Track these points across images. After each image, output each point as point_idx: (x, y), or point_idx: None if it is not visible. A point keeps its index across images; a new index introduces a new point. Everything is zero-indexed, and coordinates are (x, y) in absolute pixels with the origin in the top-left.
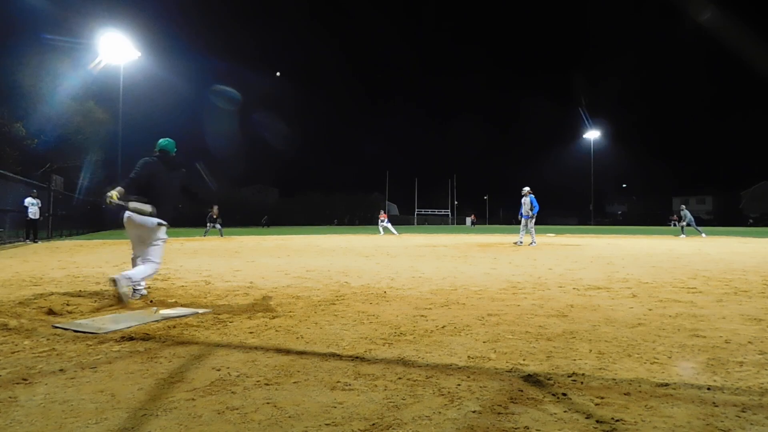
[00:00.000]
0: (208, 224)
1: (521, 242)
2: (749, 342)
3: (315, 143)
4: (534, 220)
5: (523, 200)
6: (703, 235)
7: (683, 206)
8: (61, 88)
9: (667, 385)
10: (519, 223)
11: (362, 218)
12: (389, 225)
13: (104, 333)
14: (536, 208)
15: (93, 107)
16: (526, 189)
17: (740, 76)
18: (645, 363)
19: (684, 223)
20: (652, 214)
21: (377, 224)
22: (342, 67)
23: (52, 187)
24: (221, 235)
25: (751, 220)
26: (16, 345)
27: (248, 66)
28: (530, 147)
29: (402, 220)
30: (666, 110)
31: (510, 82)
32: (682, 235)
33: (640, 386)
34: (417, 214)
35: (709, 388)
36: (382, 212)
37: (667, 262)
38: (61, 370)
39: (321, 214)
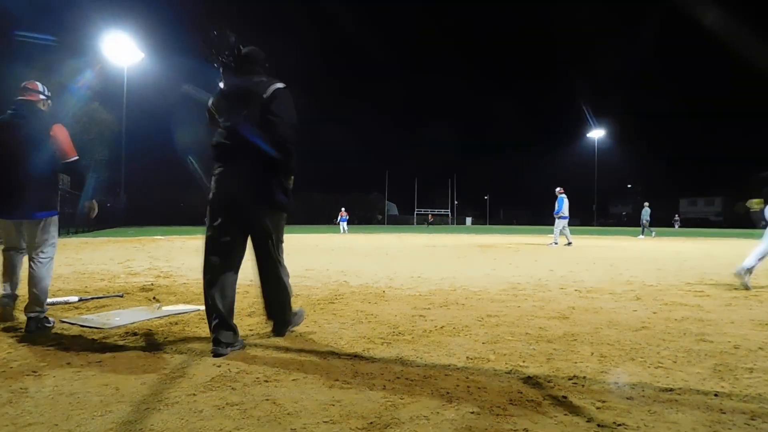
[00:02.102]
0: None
1: (569, 243)
2: (759, 348)
3: (314, 142)
4: (561, 221)
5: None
6: (652, 235)
7: (646, 204)
8: (66, 89)
9: (671, 390)
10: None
11: (361, 218)
12: (343, 223)
13: (109, 328)
14: (556, 210)
15: (98, 108)
16: (557, 189)
17: (751, 75)
18: (649, 367)
19: (646, 221)
20: (658, 215)
21: (359, 223)
22: (344, 66)
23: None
24: None
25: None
26: (26, 338)
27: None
28: (534, 146)
29: (401, 220)
30: (674, 109)
31: (514, 82)
32: (641, 236)
33: (643, 391)
34: (416, 214)
35: (716, 395)
36: (343, 210)
37: (673, 265)
38: (68, 363)
39: (320, 214)
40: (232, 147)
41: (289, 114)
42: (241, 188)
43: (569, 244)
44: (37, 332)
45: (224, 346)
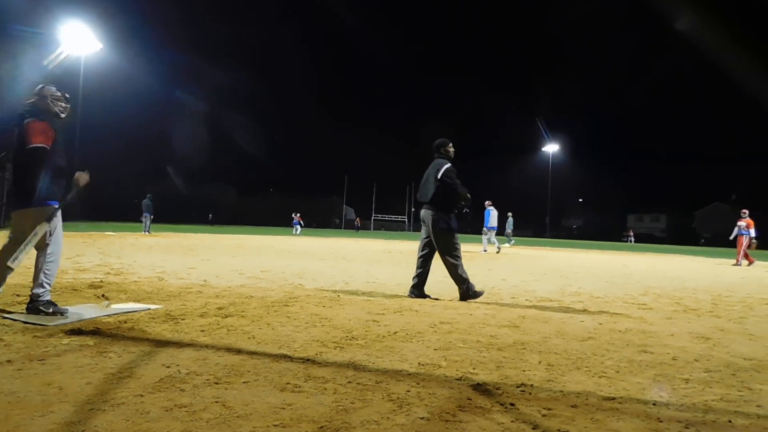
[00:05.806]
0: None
1: (485, 251)
2: (695, 360)
3: (277, 144)
4: (490, 231)
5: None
6: (507, 244)
7: (510, 214)
8: (21, 77)
9: (613, 398)
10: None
11: (320, 221)
12: (297, 226)
13: (54, 325)
14: (485, 223)
15: None
16: (486, 203)
17: (697, 95)
18: (593, 376)
19: (509, 231)
20: (607, 230)
21: (303, 226)
22: (306, 69)
23: (7, 176)
24: (147, 231)
25: (703, 240)
26: None
27: (212, 63)
28: (489, 157)
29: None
30: (623, 127)
31: (472, 91)
32: (507, 244)
33: (587, 399)
34: (374, 220)
35: (654, 404)
36: (298, 215)
37: (620, 278)
38: (8, 361)
39: (279, 216)
40: (426, 197)
41: (456, 181)
42: (429, 220)
43: (498, 250)
44: None
45: (414, 294)
